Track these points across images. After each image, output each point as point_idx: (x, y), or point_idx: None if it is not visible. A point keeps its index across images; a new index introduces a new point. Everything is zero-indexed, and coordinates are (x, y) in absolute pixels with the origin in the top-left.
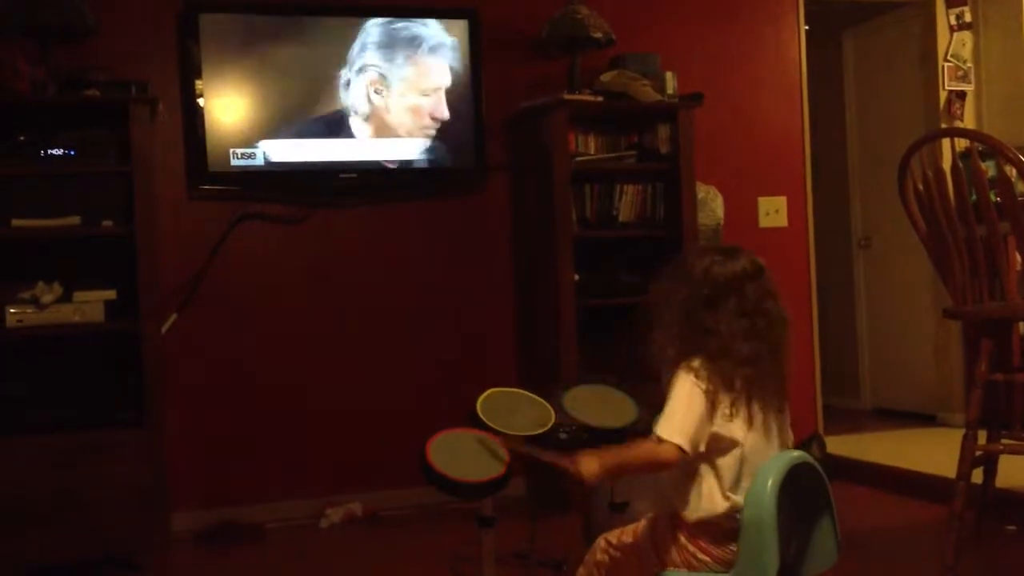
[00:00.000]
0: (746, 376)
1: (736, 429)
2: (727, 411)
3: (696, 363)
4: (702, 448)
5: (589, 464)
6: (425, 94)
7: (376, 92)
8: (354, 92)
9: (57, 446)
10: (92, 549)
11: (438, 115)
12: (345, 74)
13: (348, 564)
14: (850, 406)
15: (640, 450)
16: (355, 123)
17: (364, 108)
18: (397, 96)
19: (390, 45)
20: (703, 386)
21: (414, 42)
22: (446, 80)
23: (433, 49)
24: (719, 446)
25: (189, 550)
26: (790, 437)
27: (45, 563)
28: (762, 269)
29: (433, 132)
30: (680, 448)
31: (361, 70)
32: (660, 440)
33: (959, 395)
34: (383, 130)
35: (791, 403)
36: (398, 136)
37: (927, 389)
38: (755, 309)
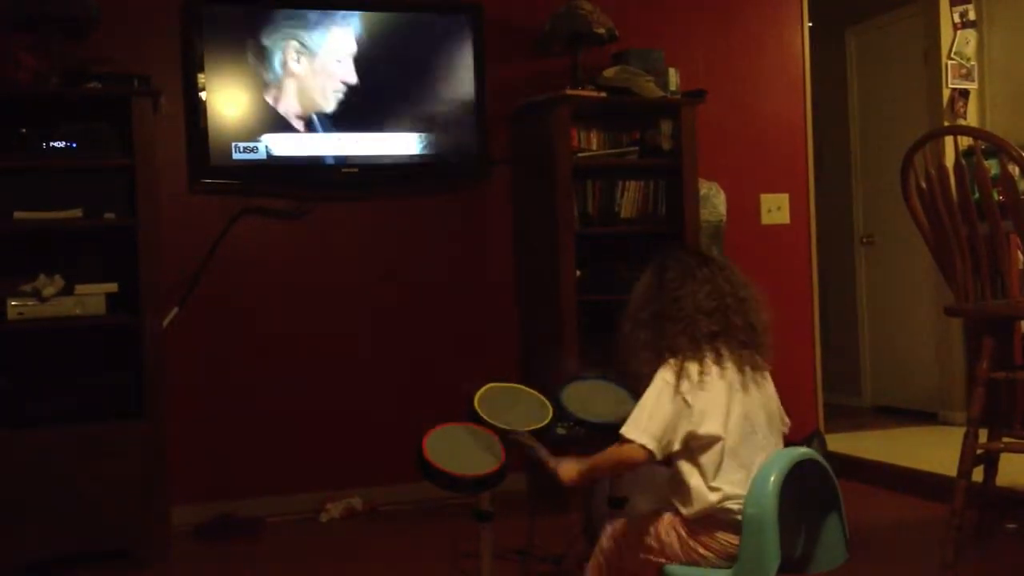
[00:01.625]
0: (711, 331)
1: (714, 420)
2: (704, 384)
3: (675, 360)
4: (676, 447)
5: (569, 470)
6: (339, 60)
7: (296, 60)
8: (271, 59)
9: (57, 439)
10: (92, 542)
11: (347, 80)
12: (261, 41)
13: (348, 558)
14: (851, 403)
15: (608, 452)
16: (271, 94)
17: (279, 74)
18: (319, 64)
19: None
20: (680, 384)
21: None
22: (352, 47)
23: (345, 17)
24: (698, 444)
25: (189, 543)
26: (778, 406)
27: (45, 556)
28: (703, 250)
29: (341, 95)
30: (644, 447)
31: (283, 37)
32: (625, 440)
33: (960, 393)
34: (304, 99)
35: (793, 398)
36: (315, 103)
37: (928, 387)
38: (715, 273)
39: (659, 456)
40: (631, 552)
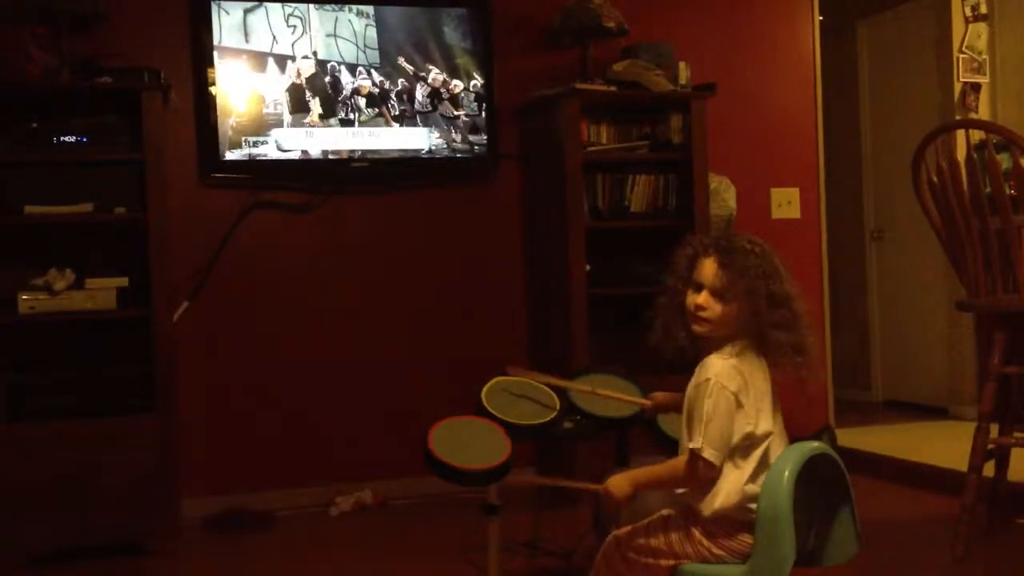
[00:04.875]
0: (788, 341)
1: (765, 416)
2: (754, 380)
3: (730, 353)
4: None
5: (620, 485)
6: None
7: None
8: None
9: (69, 432)
10: (103, 534)
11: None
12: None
13: (358, 552)
14: (862, 398)
15: (675, 471)
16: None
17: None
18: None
19: None
20: (734, 386)
21: None
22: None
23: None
24: (749, 443)
25: (199, 536)
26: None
27: (56, 548)
28: None
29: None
30: (713, 465)
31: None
32: (702, 458)
33: (971, 388)
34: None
35: (802, 392)
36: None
37: (939, 382)
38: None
39: (720, 467)
40: (639, 557)
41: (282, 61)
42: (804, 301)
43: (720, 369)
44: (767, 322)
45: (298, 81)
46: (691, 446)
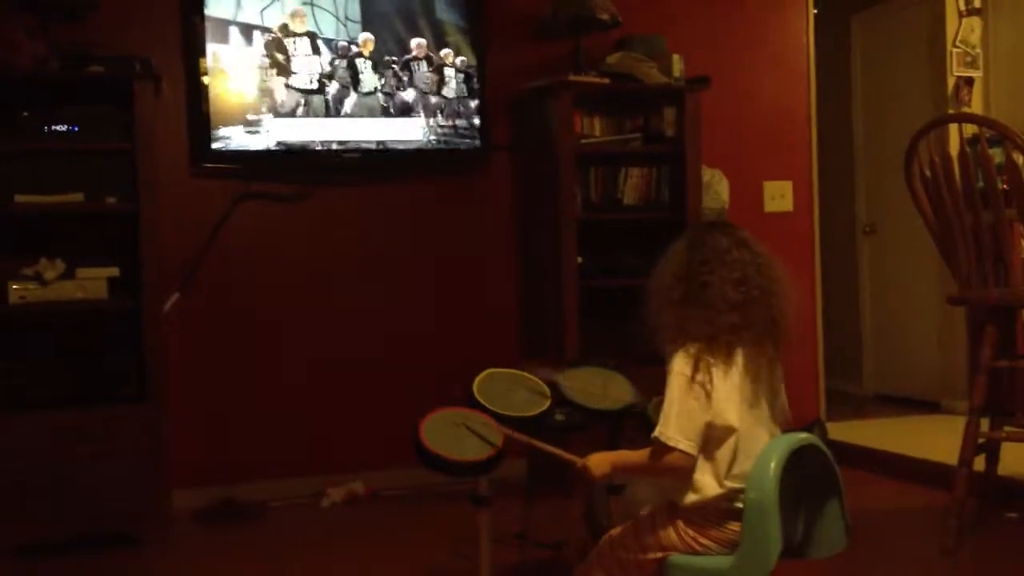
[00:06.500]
0: (733, 325)
1: (730, 411)
2: (721, 374)
3: (693, 348)
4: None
5: (600, 464)
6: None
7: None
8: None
9: (59, 422)
10: (93, 525)
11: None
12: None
13: (349, 543)
14: (853, 392)
15: (649, 459)
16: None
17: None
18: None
19: None
20: (696, 375)
21: None
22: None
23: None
24: (714, 435)
25: (190, 527)
26: (783, 399)
27: (46, 538)
28: (741, 231)
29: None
30: (686, 453)
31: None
32: (664, 445)
33: (963, 382)
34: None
35: (794, 385)
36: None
37: (930, 376)
38: (748, 259)
39: (696, 455)
40: (629, 553)
41: (274, 50)
42: (752, 268)
43: (677, 359)
44: (689, 314)
45: (291, 70)
46: (652, 435)
